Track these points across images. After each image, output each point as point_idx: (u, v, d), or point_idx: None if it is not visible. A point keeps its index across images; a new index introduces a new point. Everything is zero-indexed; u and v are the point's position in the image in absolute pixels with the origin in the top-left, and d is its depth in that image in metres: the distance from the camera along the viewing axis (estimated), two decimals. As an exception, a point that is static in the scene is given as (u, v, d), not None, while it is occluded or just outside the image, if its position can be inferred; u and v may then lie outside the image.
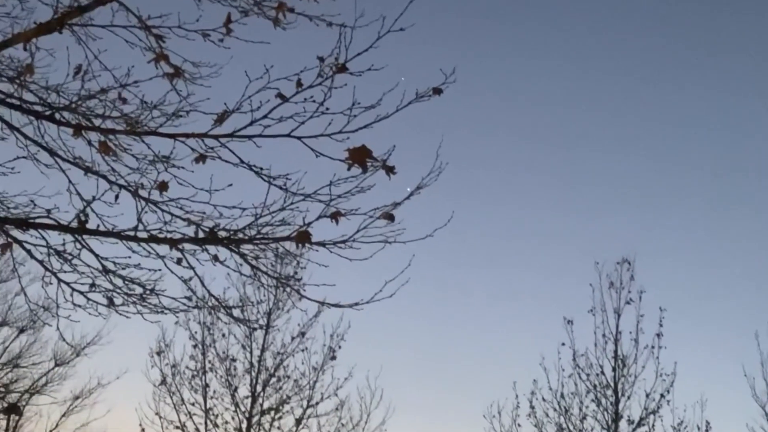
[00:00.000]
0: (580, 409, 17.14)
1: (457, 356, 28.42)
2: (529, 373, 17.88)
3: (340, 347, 18.02)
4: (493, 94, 30.26)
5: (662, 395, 16.93)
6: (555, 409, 17.27)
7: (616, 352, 17.35)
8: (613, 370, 17.21)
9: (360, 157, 5.61)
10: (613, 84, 30.51)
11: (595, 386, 17.19)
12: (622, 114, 29.88)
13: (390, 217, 5.91)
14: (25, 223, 6.70)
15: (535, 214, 31.55)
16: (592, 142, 30.88)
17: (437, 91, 5.76)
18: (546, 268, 30.40)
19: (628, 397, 17.00)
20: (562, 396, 17.29)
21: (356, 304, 6.30)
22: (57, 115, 7.04)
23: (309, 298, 6.75)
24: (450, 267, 29.80)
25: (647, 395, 16.96)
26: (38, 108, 7.17)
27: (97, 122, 7.06)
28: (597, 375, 17.26)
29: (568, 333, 17.82)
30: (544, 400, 17.38)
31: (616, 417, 16.88)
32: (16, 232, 6.79)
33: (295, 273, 14.58)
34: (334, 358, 17.93)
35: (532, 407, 17.39)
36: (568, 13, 29.49)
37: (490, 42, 29.79)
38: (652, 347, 17.32)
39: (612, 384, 17.10)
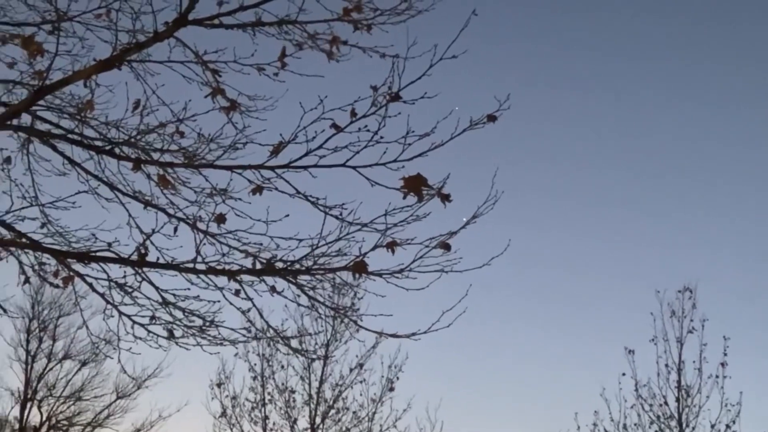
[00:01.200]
0: (644, 441, 16.78)
1: (517, 387, 28.12)
2: (590, 404, 17.61)
3: (398, 378, 17.96)
4: (548, 121, 30.10)
5: (728, 426, 16.47)
6: (618, 441, 16.92)
7: (679, 382, 16.97)
8: (677, 400, 16.83)
9: (415, 185, 5.59)
10: (670, 110, 30.15)
11: (658, 417, 16.82)
12: (682, 141, 29.47)
13: (446, 247, 5.87)
14: (86, 257, 6.79)
15: (594, 243, 31.21)
16: (651, 169, 30.50)
17: (492, 118, 5.72)
18: (605, 298, 30.00)
19: (693, 429, 16.57)
20: (624, 427, 16.96)
21: (413, 334, 6.25)
22: (117, 150, 7.18)
23: (366, 329, 6.75)
24: (508, 296, 29.53)
25: (712, 426, 16.50)
26: (98, 143, 7.32)
27: (155, 156, 7.18)
28: (660, 405, 16.89)
29: (629, 363, 17.50)
30: (606, 431, 17.07)
31: (682, 448, 16.48)
32: (77, 266, 6.89)
33: (353, 304, 14.56)
34: (392, 389, 17.86)
35: (595, 439, 17.08)
36: (623, 39, 29.23)
37: (544, 67, 29.69)
38: (717, 377, 16.89)
39: (676, 415, 16.71)
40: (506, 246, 6.14)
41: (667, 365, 17.14)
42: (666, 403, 16.86)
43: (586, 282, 30.78)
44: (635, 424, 16.92)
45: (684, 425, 16.59)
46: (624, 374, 17.35)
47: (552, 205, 30.96)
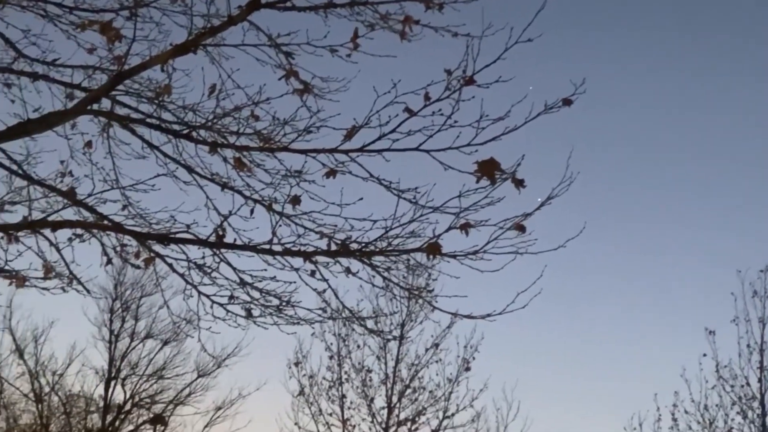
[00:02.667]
0: (725, 422, 16.50)
1: (595, 368, 27.85)
2: (670, 385, 17.33)
3: (474, 358, 17.97)
4: (624, 104, 29.45)
5: (812, 406, 16.10)
6: (698, 422, 16.69)
7: (761, 362, 16.61)
8: (759, 381, 16.49)
9: (489, 169, 5.56)
10: (746, 89, 29.24)
11: (740, 398, 16.51)
12: (761, 121, 28.57)
13: (521, 228, 5.83)
14: (166, 238, 6.93)
15: (672, 224, 30.56)
16: (729, 150, 29.67)
17: (567, 102, 5.66)
18: (685, 278, 29.41)
19: (776, 409, 16.24)
20: (705, 408, 16.70)
21: (488, 315, 6.24)
22: (194, 134, 7.29)
23: (441, 310, 6.75)
24: (584, 278, 29.16)
25: (796, 407, 16.16)
26: (176, 127, 7.45)
27: (231, 139, 7.27)
28: (742, 386, 16.58)
29: (710, 343, 17.20)
30: (686, 412, 16.83)
31: (764, 429, 16.14)
32: (158, 247, 7.04)
33: (427, 284, 14.59)
34: (468, 369, 17.88)
35: (675, 419, 16.88)
36: (703, 21, 28.39)
37: (620, 51, 29.01)
38: (800, 357, 16.49)
39: (758, 396, 16.38)
40: (582, 228, 6.07)
41: (749, 345, 16.81)
42: (748, 383, 16.55)
43: (664, 263, 30.19)
44: (716, 405, 16.67)
45: (767, 406, 16.26)
46: (705, 355, 17.08)
47: (628, 187, 30.32)
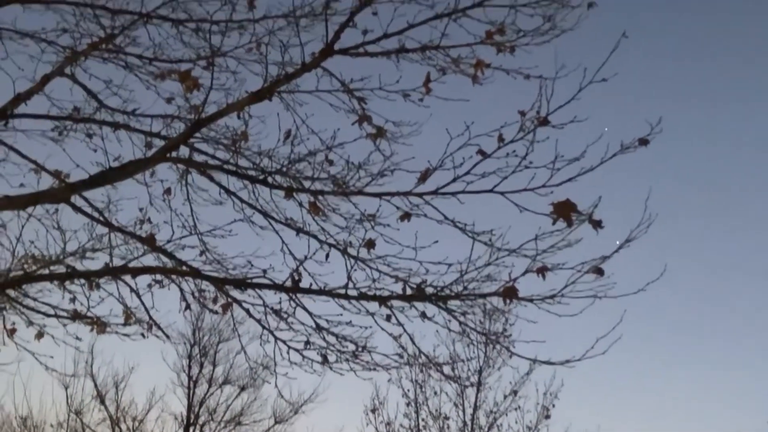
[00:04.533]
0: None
1: (680, 415, 26.96)
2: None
3: (553, 406, 17.54)
4: (702, 142, 28.77)
5: None
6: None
7: None
8: None
9: (565, 211, 5.49)
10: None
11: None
12: None
13: (599, 272, 5.72)
14: (243, 283, 7.01)
15: (755, 265, 29.58)
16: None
17: (643, 141, 5.56)
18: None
19: None
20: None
21: (567, 361, 6.12)
22: (270, 179, 7.37)
23: (519, 355, 6.67)
24: (666, 322, 28.41)
25: None
26: (252, 173, 7.54)
27: (306, 184, 7.32)
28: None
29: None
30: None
31: None
32: (235, 292, 7.12)
33: (505, 330, 14.41)
34: (548, 417, 17.47)
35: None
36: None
37: (697, 89, 28.46)
38: None
39: None
40: (662, 271, 5.92)
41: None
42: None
43: (746, 307, 29.18)
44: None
45: None
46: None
47: (709, 227, 29.48)
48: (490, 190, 5.95)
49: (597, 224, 5.49)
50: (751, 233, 29.31)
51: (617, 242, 5.73)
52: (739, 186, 29.20)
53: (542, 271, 5.85)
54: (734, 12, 26.83)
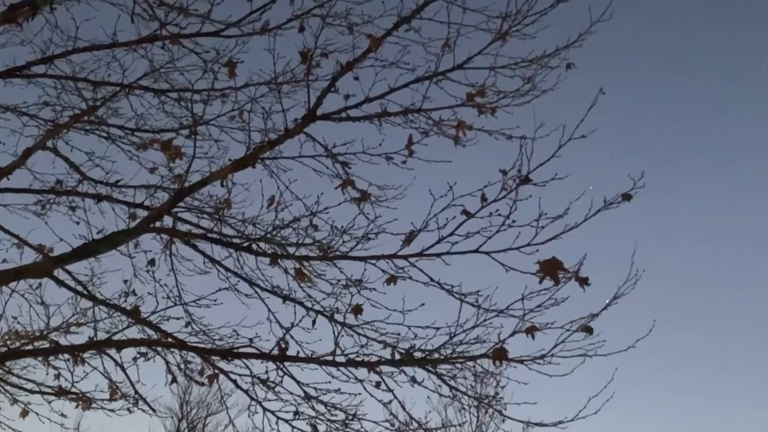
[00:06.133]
0: None
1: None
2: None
3: (550, 469, 17.29)
4: (685, 196, 28.94)
5: None
6: None
7: None
8: None
9: (551, 269, 5.44)
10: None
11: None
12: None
13: (588, 330, 5.65)
14: (229, 354, 6.88)
15: (743, 318, 29.50)
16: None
17: (626, 197, 5.55)
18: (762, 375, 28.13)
19: None
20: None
21: (560, 422, 6.00)
22: (254, 246, 7.30)
23: (512, 418, 6.53)
24: (658, 378, 28.20)
25: None
26: (237, 240, 7.47)
27: (291, 250, 7.26)
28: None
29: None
30: None
31: None
32: (221, 363, 6.99)
33: (496, 393, 14.25)
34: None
35: None
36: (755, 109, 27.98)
37: (677, 142, 28.72)
38: None
39: None
40: (651, 327, 5.85)
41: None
42: None
43: (737, 359, 29.05)
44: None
45: None
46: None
47: (696, 282, 29.48)
48: (476, 251, 5.91)
49: (584, 281, 5.45)
50: (740, 286, 29.31)
51: (605, 300, 5.68)
52: (724, 239, 29.28)
53: (531, 331, 5.78)
54: (705, 68, 27.23)
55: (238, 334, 7.23)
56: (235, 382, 6.95)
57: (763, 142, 28.26)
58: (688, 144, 28.52)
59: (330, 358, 6.54)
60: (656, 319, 5.83)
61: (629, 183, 5.52)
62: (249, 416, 6.97)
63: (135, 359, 7.50)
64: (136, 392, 7.60)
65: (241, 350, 6.89)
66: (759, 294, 29.16)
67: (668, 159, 27.79)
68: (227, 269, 7.64)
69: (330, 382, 6.65)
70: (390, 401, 6.66)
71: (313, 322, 6.98)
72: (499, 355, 5.89)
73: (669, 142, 28.41)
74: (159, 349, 7.44)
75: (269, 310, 7.40)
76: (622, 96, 24.69)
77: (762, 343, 28.82)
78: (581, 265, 5.45)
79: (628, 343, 5.79)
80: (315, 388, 6.75)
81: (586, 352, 5.73)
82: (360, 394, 6.62)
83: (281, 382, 6.80)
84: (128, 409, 7.72)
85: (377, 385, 6.52)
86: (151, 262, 8.02)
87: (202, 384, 7.38)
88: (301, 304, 7.21)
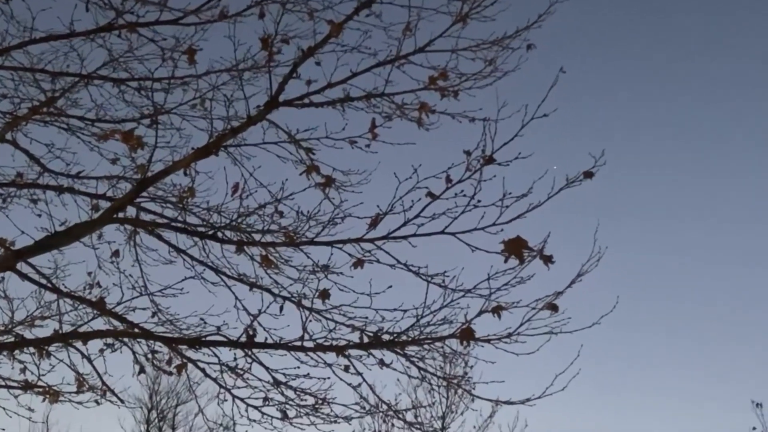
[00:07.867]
0: None
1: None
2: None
3: (520, 446, 17.50)
4: (646, 173, 29.24)
5: None
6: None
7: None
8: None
9: (516, 248, 5.49)
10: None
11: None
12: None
13: (553, 308, 5.72)
14: (197, 342, 6.87)
15: (705, 293, 29.94)
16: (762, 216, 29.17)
17: (588, 174, 5.62)
18: (727, 350, 28.63)
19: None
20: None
21: (528, 400, 6.09)
22: (219, 234, 7.26)
23: (481, 398, 6.62)
24: (622, 354, 28.56)
25: None
26: (201, 229, 7.44)
27: (257, 237, 7.23)
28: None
29: (758, 416, 16.62)
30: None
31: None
32: (189, 352, 6.97)
33: (465, 373, 14.34)
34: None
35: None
36: (723, 84, 28.33)
37: (638, 120, 28.98)
38: None
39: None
40: (615, 303, 5.94)
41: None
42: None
43: (705, 335, 29.47)
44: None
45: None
46: (754, 429, 16.53)
47: (659, 258, 29.82)
48: (441, 232, 5.95)
49: (548, 259, 5.51)
50: (703, 261, 29.71)
51: (570, 278, 5.75)
52: (685, 215, 29.65)
53: (497, 310, 5.84)
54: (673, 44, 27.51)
55: (205, 323, 7.19)
56: (203, 370, 6.95)
57: (725, 118, 28.61)
58: (648, 121, 28.78)
59: (298, 343, 6.55)
60: (620, 296, 5.93)
61: (591, 161, 5.60)
62: (219, 404, 6.98)
63: (101, 351, 7.44)
64: (104, 384, 7.54)
65: (208, 338, 6.88)
66: (722, 267, 29.60)
67: (629, 136, 28.05)
68: (193, 258, 7.60)
69: (299, 368, 6.67)
70: (359, 384, 6.70)
71: (281, 309, 6.97)
72: (467, 335, 5.95)
73: (629, 120, 28.66)
74: (126, 339, 7.39)
75: (236, 297, 7.38)
76: (582, 75, 24.84)
77: (727, 316, 29.22)
78: (545, 243, 5.52)
79: (593, 320, 5.89)
80: (284, 374, 6.77)
81: (551, 330, 5.82)
82: (329, 378, 6.67)
83: (250, 369, 6.82)
84: (96, 401, 7.67)
85: (346, 368, 6.56)
86: (116, 254, 7.96)
87: (171, 373, 7.35)
88: (269, 290, 7.20)
